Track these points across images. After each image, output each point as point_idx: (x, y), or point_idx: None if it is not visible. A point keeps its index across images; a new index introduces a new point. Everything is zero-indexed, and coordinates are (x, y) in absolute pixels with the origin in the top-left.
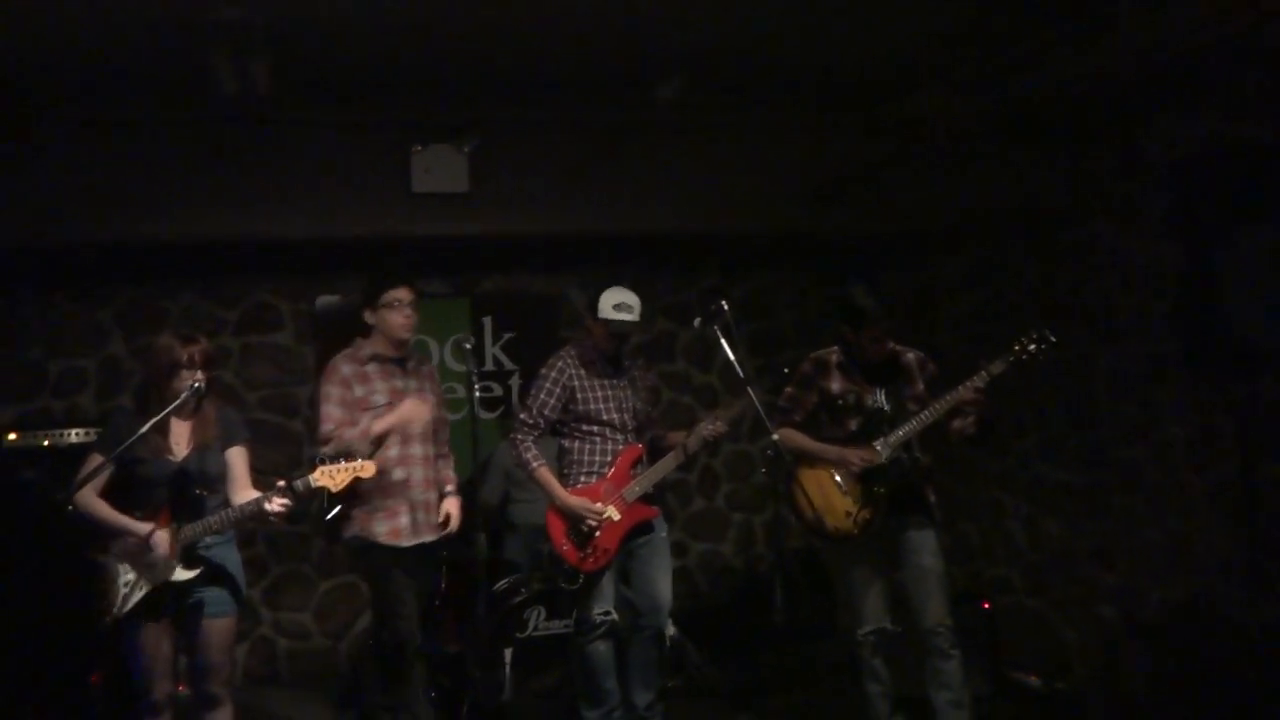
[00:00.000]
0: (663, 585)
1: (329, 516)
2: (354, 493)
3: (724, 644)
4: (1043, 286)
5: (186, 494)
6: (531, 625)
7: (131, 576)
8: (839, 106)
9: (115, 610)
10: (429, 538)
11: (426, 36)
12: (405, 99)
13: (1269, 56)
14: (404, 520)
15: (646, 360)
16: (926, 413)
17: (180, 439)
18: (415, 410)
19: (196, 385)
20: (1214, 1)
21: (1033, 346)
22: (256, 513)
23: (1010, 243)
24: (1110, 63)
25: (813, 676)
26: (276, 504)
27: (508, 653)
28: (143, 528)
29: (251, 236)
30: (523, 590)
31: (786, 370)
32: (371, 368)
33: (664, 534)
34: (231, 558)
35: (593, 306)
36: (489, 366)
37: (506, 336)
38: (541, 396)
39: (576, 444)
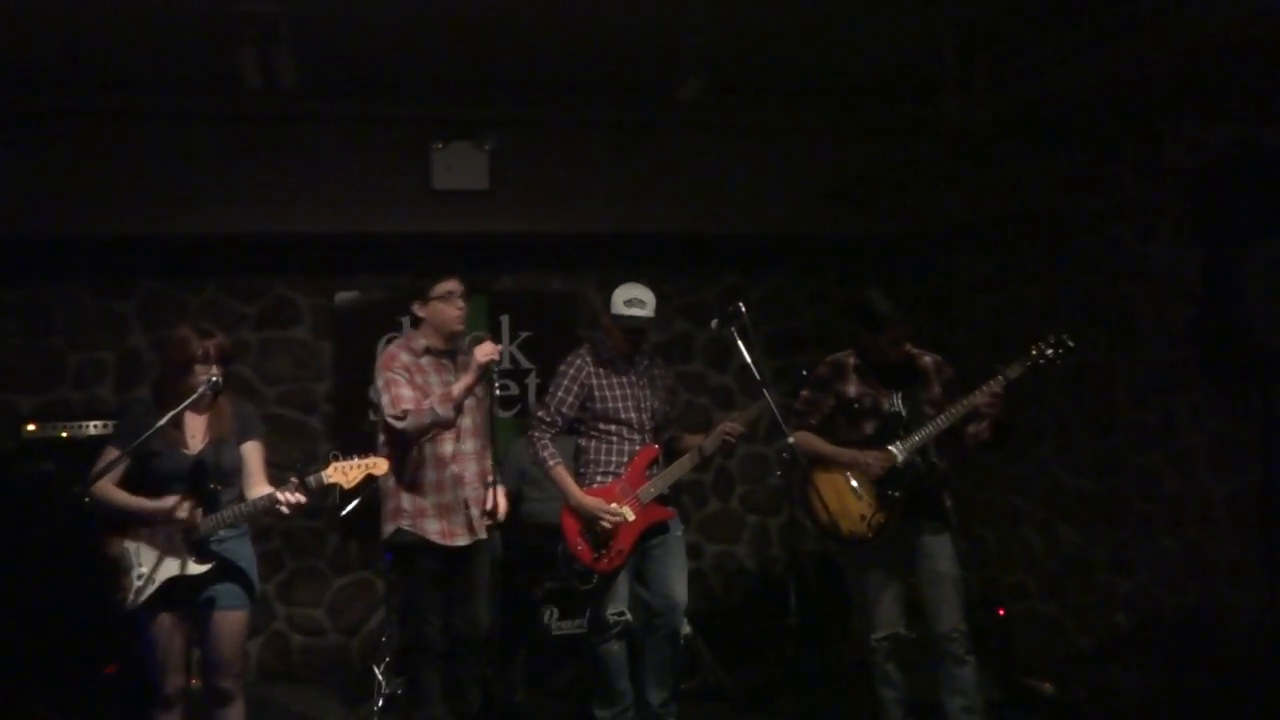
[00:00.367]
0: (678, 585)
1: (344, 513)
2: (404, 488)
3: (737, 646)
4: (1061, 291)
5: (201, 488)
6: (545, 625)
7: (145, 569)
8: (859, 108)
9: (129, 602)
10: (481, 535)
11: (448, 34)
12: (427, 96)
13: None
14: (459, 519)
15: (665, 360)
16: (943, 417)
17: (195, 433)
18: (488, 351)
19: (213, 379)
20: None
21: (1050, 351)
22: (270, 508)
23: (1029, 246)
24: (1131, 66)
25: (826, 680)
26: (289, 499)
27: (521, 652)
28: (163, 504)
29: (272, 231)
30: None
31: (805, 372)
32: (426, 360)
33: (679, 533)
34: (245, 552)
35: (607, 304)
36: (506, 365)
37: (524, 335)
38: (559, 394)
39: (593, 443)
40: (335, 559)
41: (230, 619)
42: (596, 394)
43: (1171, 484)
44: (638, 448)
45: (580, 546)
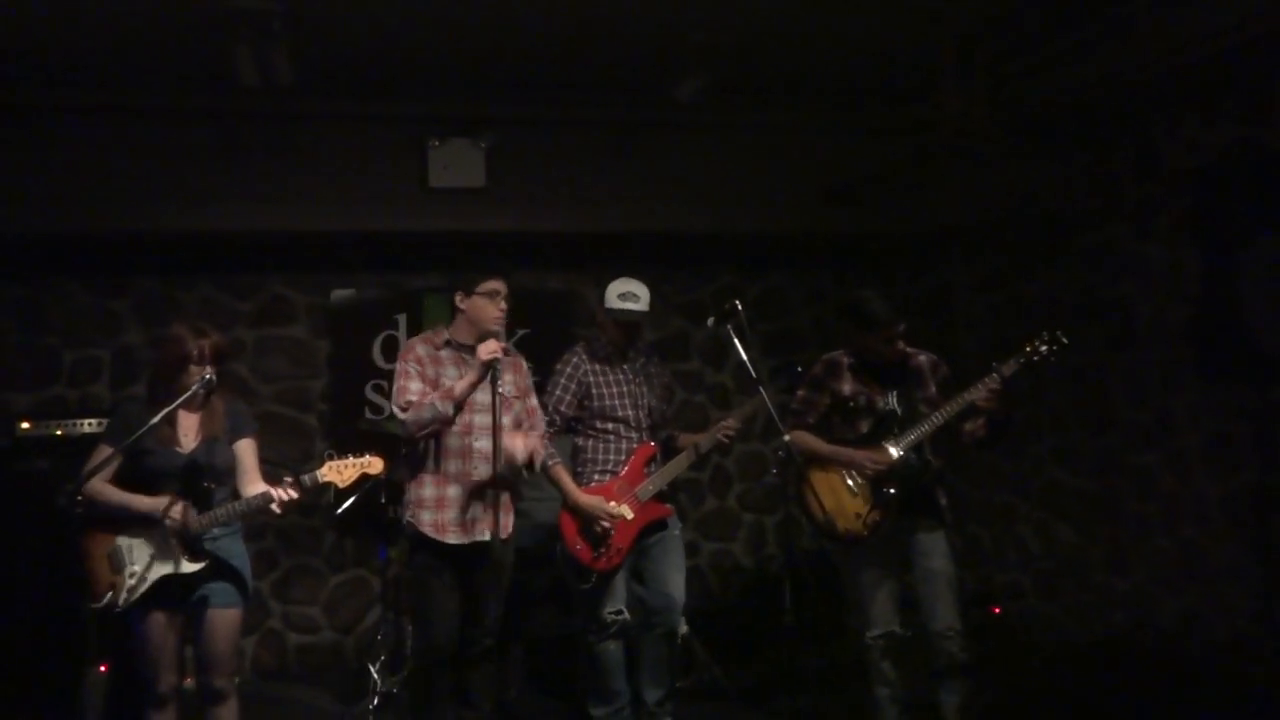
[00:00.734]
0: (676, 583)
1: (339, 511)
2: (412, 481)
3: (733, 644)
4: (1059, 290)
5: (195, 486)
6: (542, 623)
7: (138, 568)
8: (857, 107)
9: (122, 600)
10: (483, 537)
11: (445, 31)
12: (423, 94)
13: None
14: (453, 515)
15: (661, 358)
16: (938, 415)
17: (189, 431)
18: (492, 349)
19: (207, 378)
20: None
21: (1044, 348)
22: (264, 506)
23: (1027, 246)
24: (1130, 67)
25: (822, 678)
26: (283, 495)
27: (517, 650)
28: (157, 502)
29: (268, 229)
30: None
31: (799, 369)
32: (445, 353)
33: (678, 531)
34: (238, 549)
35: (601, 298)
36: None
37: (521, 333)
38: (557, 393)
39: (591, 442)
40: (331, 557)
41: (224, 617)
42: (594, 391)
43: (1168, 483)
44: (635, 445)
45: (579, 546)
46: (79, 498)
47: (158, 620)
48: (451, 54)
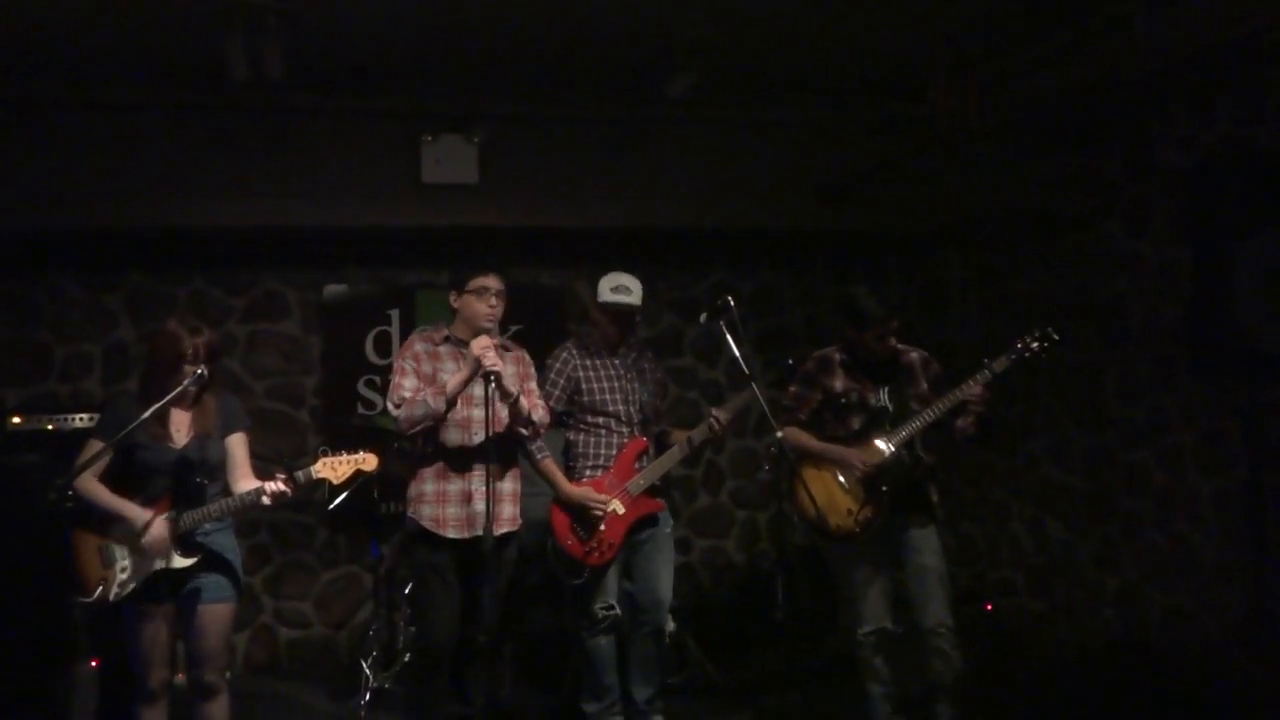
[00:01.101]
0: (664, 582)
1: (331, 506)
2: (413, 477)
3: (725, 641)
4: (1052, 288)
5: (187, 482)
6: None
7: (129, 562)
8: (850, 104)
9: (113, 595)
10: (477, 531)
11: (438, 27)
12: (416, 89)
13: None
14: (453, 510)
15: (655, 354)
16: (929, 411)
17: (181, 427)
18: (484, 345)
19: (199, 373)
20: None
21: (1035, 344)
22: (256, 502)
23: (1020, 244)
24: (1123, 65)
25: (813, 674)
26: (274, 489)
27: (509, 645)
28: (141, 515)
29: (260, 224)
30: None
31: (790, 362)
32: (445, 348)
33: (669, 529)
34: (229, 544)
35: (594, 293)
36: None
37: (513, 329)
38: (545, 388)
39: (582, 437)
40: (323, 553)
41: (215, 612)
42: (583, 386)
43: (1160, 481)
44: (626, 440)
45: (570, 541)
46: (69, 492)
47: (149, 615)
48: (445, 50)
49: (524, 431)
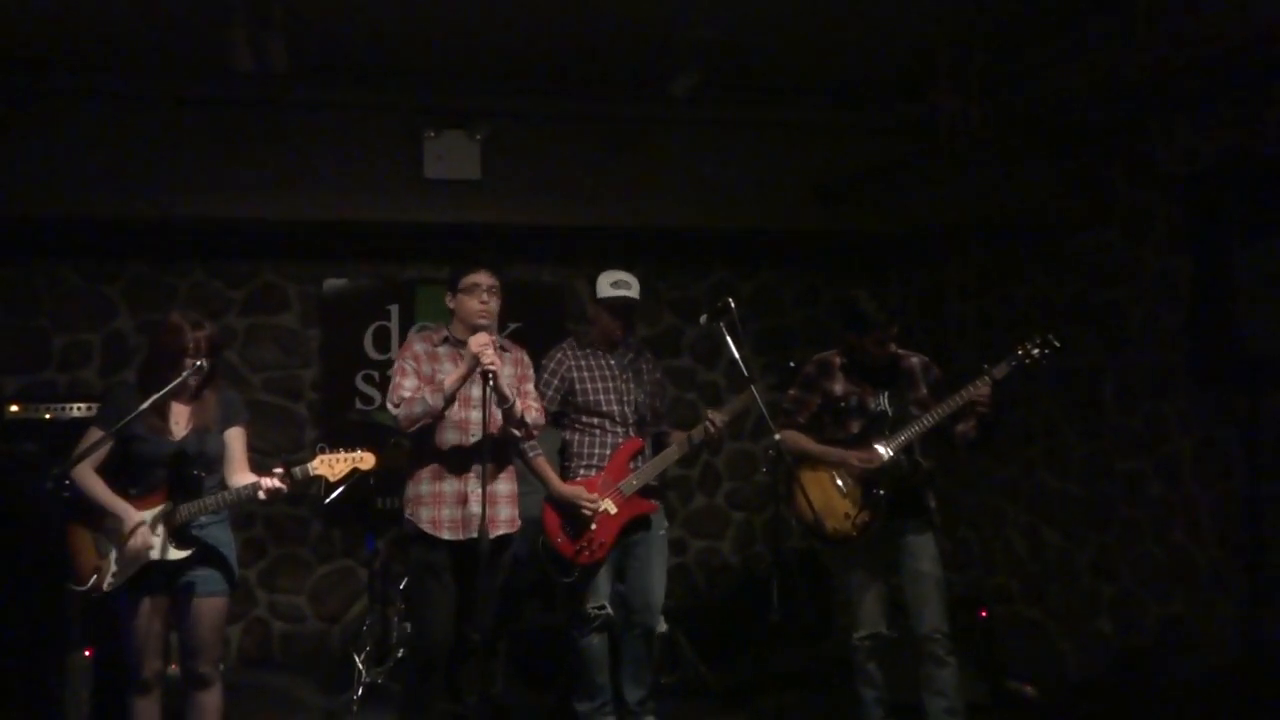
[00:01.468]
0: (656, 584)
1: (327, 500)
2: (410, 476)
3: (719, 642)
4: (1051, 294)
5: (184, 474)
6: (526, 617)
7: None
8: (852, 106)
9: (106, 584)
10: (472, 534)
11: (442, 22)
12: (420, 85)
13: None
14: (449, 511)
15: (655, 354)
16: (929, 416)
17: (180, 420)
18: (482, 342)
19: (199, 365)
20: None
21: (1036, 351)
22: (251, 496)
23: (1020, 248)
24: (1124, 70)
25: (807, 678)
26: (270, 485)
27: (502, 643)
28: (131, 517)
29: (261, 217)
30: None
31: (791, 364)
32: (443, 349)
33: (663, 531)
34: (225, 537)
35: (593, 291)
36: None
37: (512, 326)
38: (539, 388)
39: (576, 436)
40: (318, 547)
41: (209, 604)
42: (578, 386)
43: (1157, 489)
44: (620, 440)
45: (560, 539)
46: (66, 481)
47: (143, 606)
48: (448, 46)
49: (517, 433)
